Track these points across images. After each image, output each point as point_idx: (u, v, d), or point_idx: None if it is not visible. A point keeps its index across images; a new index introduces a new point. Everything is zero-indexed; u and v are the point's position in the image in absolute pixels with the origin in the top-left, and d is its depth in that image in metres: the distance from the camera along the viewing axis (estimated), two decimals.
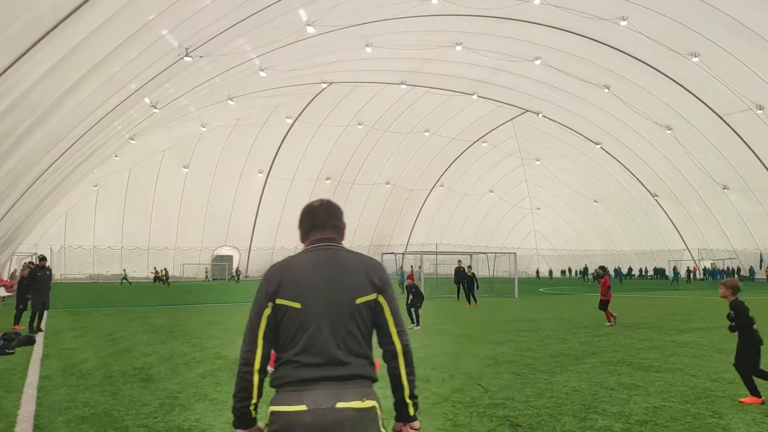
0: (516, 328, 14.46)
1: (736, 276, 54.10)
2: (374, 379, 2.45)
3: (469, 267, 24.23)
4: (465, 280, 23.79)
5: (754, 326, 7.07)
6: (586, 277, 56.35)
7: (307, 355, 2.37)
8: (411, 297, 14.86)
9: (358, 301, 2.45)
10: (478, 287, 23.85)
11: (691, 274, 53.94)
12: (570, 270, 75.14)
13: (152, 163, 51.87)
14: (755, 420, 5.91)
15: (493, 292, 29.85)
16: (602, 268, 17.06)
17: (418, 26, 36.57)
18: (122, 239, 54.36)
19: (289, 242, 62.62)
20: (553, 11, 34.49)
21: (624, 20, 34.73)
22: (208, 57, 25.38)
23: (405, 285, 15.59)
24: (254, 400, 2.43)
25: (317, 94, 49.09)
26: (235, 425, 2.47)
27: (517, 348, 11.11)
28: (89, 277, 52.85)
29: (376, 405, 2.38)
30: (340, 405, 2.29)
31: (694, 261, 58.12)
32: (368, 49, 37.74)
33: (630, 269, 64.55)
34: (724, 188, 50.06)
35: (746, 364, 6.92)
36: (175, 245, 56.66)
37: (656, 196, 57.50)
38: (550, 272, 72.16)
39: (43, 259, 14.99)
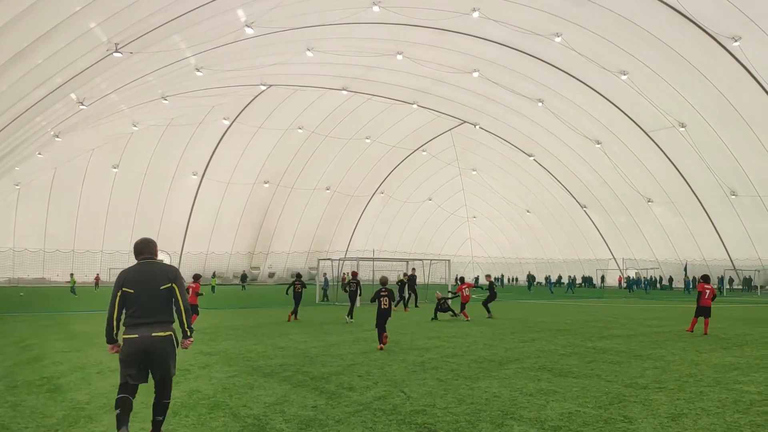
0: (445, 334, 14.61)
1: (658, 285, 56.65)
2: (172, 322, 5.35)
3: (405, 274, 25.53)
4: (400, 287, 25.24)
5: (383, 306, 12.37)
6: (531, 286, 56.91)
7: (138, 313, 5.19)
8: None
9: (161, 287, 5.30)
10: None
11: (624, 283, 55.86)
12: (503, 277, 76.79)
13: (79, 162, 49.66)
14: (662, 424, 6.14)
15: (427, 298, 30.08)
16: (461, 279, 21.95)
17: (359, 33, 36.69)
18: (45, 241, 51.78)
19: (223, 247, 61.41)
20: (491, 25, 35.31)
21: (558, 37, 35.93)
22: (140, 53, 24.62)
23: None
24: (115, 331, 5.28)
25: (256, 96, 48.42)
26: (107, 342, 5.32)
27: (443, 354, 11.21)
28: (8, 281, 50.17)
29: (172, 334, 5.32)
30: (154, 334, 5.16)
31: (620, 270, 60.45)
32: (309, 54, 37.55)
33: (559, 277, 66.52)
34: (649, 201, 52.38)
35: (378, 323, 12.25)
36: (102, 248, 54.46)
37: (585, 207, 59.55)
38: (501, 280, 73.38)
39: None
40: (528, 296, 40.34)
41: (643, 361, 10.47)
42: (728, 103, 38.12)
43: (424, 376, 8.88)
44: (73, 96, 25.01)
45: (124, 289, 5.20)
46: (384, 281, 12.92)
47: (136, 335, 5.11)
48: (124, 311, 5.22)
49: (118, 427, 5.03)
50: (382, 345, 12.02)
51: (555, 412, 6.66)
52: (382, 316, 12.28)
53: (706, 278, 15.80)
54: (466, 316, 19.31)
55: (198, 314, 16.07)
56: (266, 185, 60.49)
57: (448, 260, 31.93)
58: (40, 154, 41.14)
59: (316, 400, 7.19)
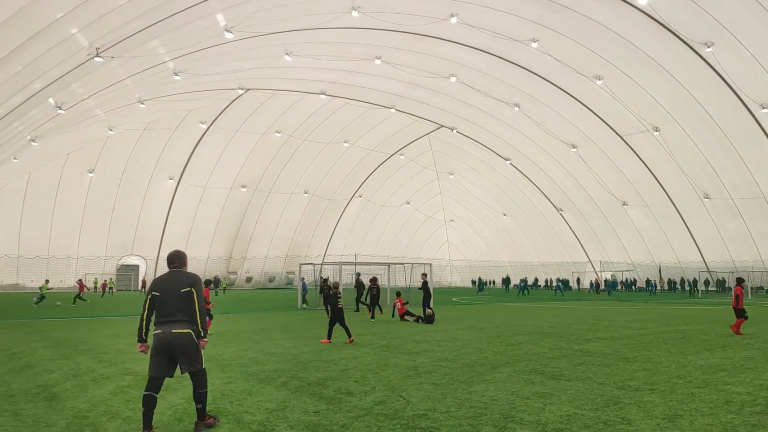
0: (432, 338, 14.70)
1: (634, 287, 57.54)
2: (191, 322, 6.05)
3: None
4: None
5: (339, 306, 14.37)
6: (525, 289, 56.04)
7: (163, 313, 6.02)
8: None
9: (182, 291, 6.08)
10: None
11: (594, 285, 56.64)
12: (480, 280, 77.28)
13: (54, 166, 48.93)
14: (660, 425, 6.30)
15: (409, 302, 30.14)
16: (398, 293, 23.30)
17: (338, 38, 36.76)
18: (19, 247, 50.75)
19: (201, 252, 60.81)
20: (468, 31, 35.65)
21: (535, 42, 36.39)
22: (119, 58, 24.35)
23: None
24: (144, 331, 6.09)
25: (234, 100, 48.18)
26: (137, 341, 6.13)
27: (434, 358, 11.30)
28: None
29: (191, 332, 6.02)
30: (174, 330, 5.94)
31: (596, 272, 61.34)
32: (288, 58, 37.49)
33: (536, 280, 67.18)
34: (624, 204, 53.26)
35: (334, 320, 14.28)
36: (77, 254, 53.59)
37: (561, 210, 60.32)
38: (492, 282, 73.70)
39: None
40: (506, 299, 40.70)
41: (630, 363, 10.68)
42: (701, 108, 39.01)
43: (420, 381, 8.95)
44: (51, 101, 24.65)
45: (152, 293, 6.10)
46: (336, 285, 15.02)
47: (161, 331, 5.98)
48: (154, 313, 6.13)
49: (144, 428, 5.77)
50: (350, 339, 14.18)
51: (554, 414, 6.78)
52: (339, 315, 14.39)
53: (738, 280, 16.27)
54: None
55: (212, 318, 16.26)
56: (243, 189, 60.13)
57: (430, 264, 32.09)
58: (15, 158, 40.38)
59: (317, 406, 7.22)
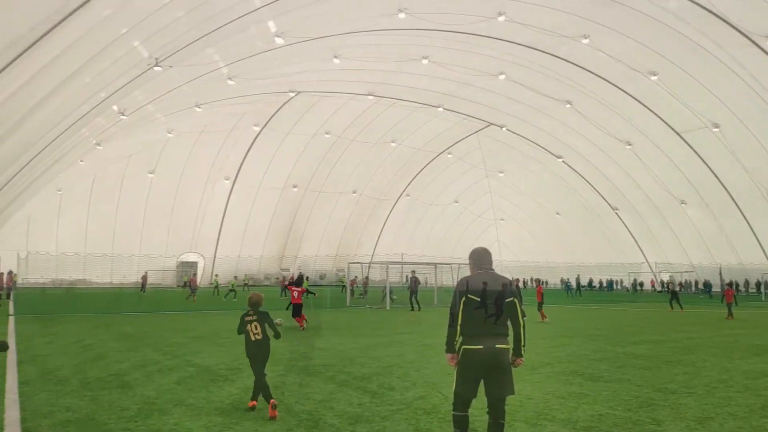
0: None
1: (691, 288, 55.83)
2: (507, 335, 5.48)
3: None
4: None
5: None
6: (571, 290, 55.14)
7: (476, 324, 5.37)
8: None
9: (507, 300, 5.44)
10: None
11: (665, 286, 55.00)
12: (531, 280, 76.48)
13: (117, 168, 51.31)
14: (689, 426, 6.49)
15: None
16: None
17: (385, 39, 37.22)
18: (86, 245, 53.48)
19: (255, 251, 62.51)
20: (517, 28, 35.48)
21: (586, 38, 35.90)
22: (177, 66, 25.51)
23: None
24: (456, 341, 5.46)
25: (285, 103, 49.34)
26: (446, 351, 5.57)
27: None
28: (51, 282, 51.82)
29: (510, 347, 5.50)
30: (498, 346, 5.37)
31: (653, 273, 59.81)
32: (336, 61, 38.21)
33: (590, 280, 65.95)
34: (682, 203, 51.71)
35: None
36: (139, 251, 56.00)
37: (616, 209, 59.09)
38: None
39: None
40: (561, 301, 40.38)
41: (673, 366, 10.74)
42: (763, 102, 37.62)
43: None
44: (114, 107, 26.12)
45: (470, 296, 5.78)
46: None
47: (481, 346, 5.72)
48: None
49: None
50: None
51: (586, 413, 7.05)
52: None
53: None
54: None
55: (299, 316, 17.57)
56: (295, 189, 61.45)
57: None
58: (81, 161, 42.67)
59: (361, 399, 7.71)
